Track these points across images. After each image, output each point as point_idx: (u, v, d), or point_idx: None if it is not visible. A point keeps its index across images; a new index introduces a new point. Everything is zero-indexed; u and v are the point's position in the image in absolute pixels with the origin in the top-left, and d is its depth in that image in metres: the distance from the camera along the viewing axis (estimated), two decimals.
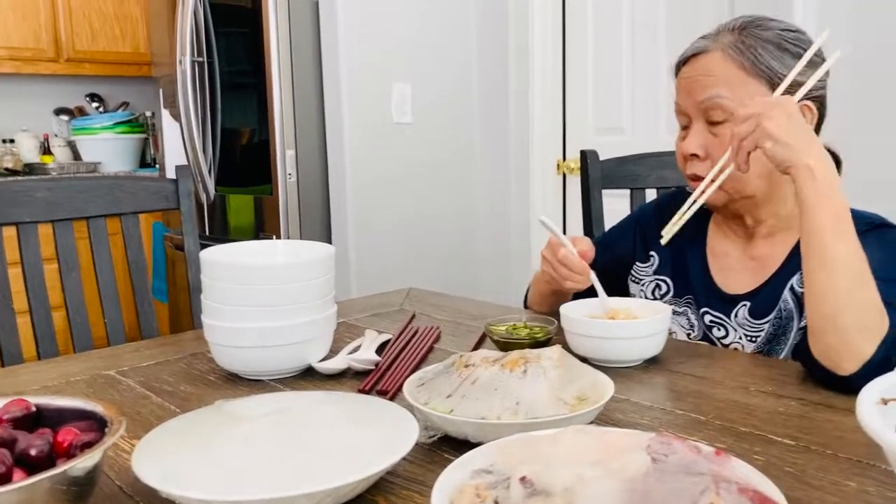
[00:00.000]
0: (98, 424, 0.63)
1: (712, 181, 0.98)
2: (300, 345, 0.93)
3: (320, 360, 0.95)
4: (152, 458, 0.62)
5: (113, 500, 0.64)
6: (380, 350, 1.02)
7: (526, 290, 1.27)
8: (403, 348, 1.02)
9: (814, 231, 0.84)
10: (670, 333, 1.11)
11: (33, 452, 0.57)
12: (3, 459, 0.54)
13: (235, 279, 0.91)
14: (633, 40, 2.40)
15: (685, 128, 1.03)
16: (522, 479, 0.54)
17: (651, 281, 1.15)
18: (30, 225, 1.35)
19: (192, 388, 0.92)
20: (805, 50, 0.96)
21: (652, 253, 1.16)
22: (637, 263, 1.18)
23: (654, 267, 1.15)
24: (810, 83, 0.94)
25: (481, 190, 2.74)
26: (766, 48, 0.96)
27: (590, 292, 1.05)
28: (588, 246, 1.05)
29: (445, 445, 0.72)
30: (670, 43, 2.31)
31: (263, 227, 2.71)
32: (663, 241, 1.02)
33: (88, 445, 0.59)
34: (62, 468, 0.54)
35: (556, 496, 0.51)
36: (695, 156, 1.01)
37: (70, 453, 0.59)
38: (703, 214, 1.08)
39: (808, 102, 0.97)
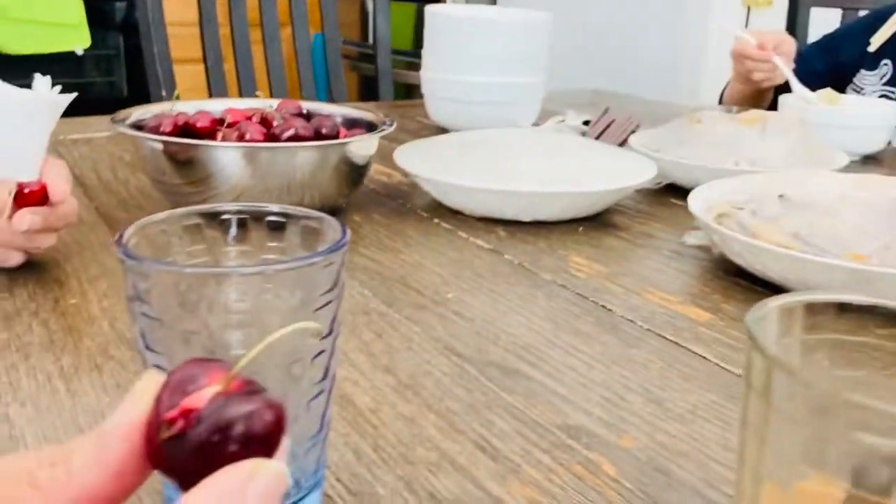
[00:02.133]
0: (366, 128, 0.69)
1: None
2: (511, 105, 0.96)
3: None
4: (412, 159, 0.68)
5: (373, 197, 0.71)
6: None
7: (721, 91, 1.24)
8: (608, 126, 1.04)
9: None
10: None
11: (324, 131, 0.64)
12: (307, 125, 0.61)
13: (459, 32, 0.94)
14: None
15: None
16: (780, 197, 0.56)
17: (877, 91, 1.08)
18: None
19: (410, 137, 0.98)
20: None
21: (885, 62, 1.08)
22: (862, 71, 1.11)
23: (884, 76, 1.08)
24: None
25: (658, 8, 2.59)
26: None
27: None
28: (775, 39, 1.01)
29: (672, 192, 0.74)
30: None
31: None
32: (871, 48, 0.97)
33: None
34: (350, 139, 0.61)
35: (818, 208, 0.53)
36: None
37: None
38: None
39: None
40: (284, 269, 0.25)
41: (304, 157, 0.59)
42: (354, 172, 0.65)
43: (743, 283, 0.53)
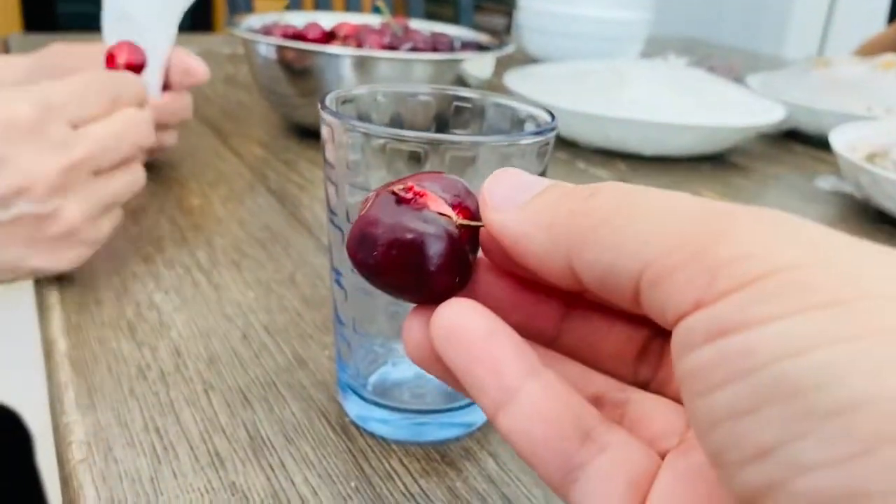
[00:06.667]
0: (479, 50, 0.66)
1: None
2: (614, 42, 0.93)
3: None
4: (523, 85, 0.66)
5: None
6: None
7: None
8: (710, 71, 0.99)
9: None
10: None
11: (442, 47, 0.61)
12: (427, 39, 0.59)
13: None
14: None
15: None
16: None
17: None
18: None
19: (502, 68, 0.95)
20: None
21: None
22: None
23: None
24: None
25: None
26: None
27: None
28: None
29: (793, 138, 0.70)
30: None
31: None
32: None
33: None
34: (469, 55, 0.58)
35: None
36: None
37: None
38: None
39: None
40: (507, 143, 0.23)
41: (421, 71, 0.57)
42: None
43: (888, 228, 0.50)
